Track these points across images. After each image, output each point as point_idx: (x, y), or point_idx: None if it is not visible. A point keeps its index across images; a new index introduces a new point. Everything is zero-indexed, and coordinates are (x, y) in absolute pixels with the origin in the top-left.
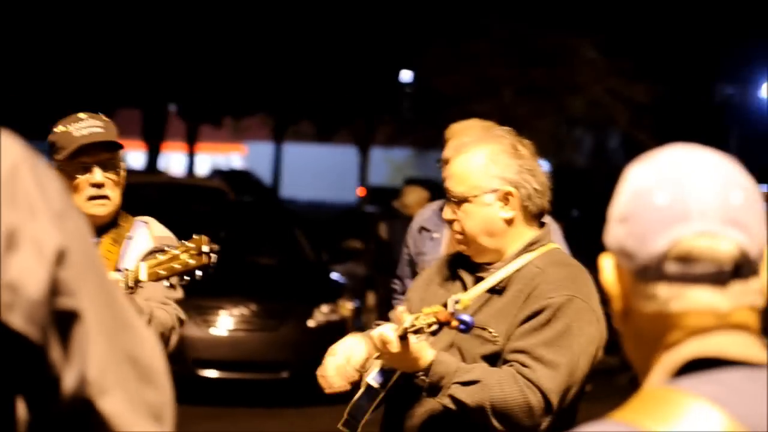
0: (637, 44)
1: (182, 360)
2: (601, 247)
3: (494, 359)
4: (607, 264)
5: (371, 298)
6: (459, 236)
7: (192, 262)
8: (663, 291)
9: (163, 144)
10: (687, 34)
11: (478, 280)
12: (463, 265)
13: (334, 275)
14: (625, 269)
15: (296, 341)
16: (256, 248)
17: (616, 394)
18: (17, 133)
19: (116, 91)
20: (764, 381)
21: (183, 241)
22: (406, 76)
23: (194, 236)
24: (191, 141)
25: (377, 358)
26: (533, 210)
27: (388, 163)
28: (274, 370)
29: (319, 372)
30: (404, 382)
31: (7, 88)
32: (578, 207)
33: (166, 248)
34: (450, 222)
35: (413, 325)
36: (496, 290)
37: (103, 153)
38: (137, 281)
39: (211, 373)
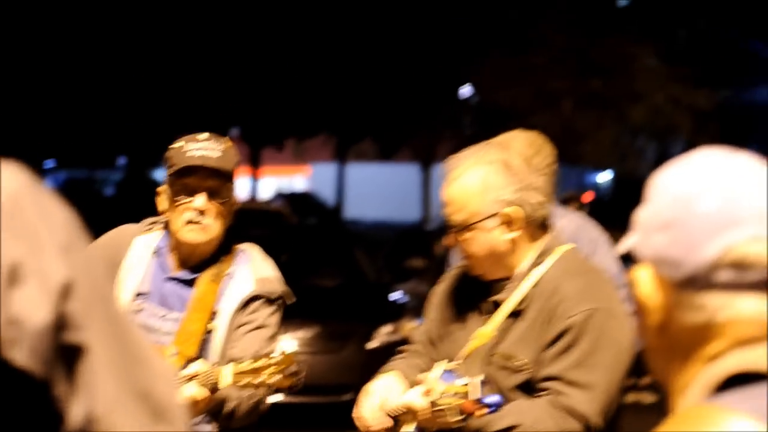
0: (695, 51)
1: None
2: None
3: (527, 387)
4: (643, 275)
5: None
6: (466, 260)
7: (277, 380)
8: (712, 300)
9: None
10: (748, 35)
11: (495, 304)
12: (476, 285)
13: (396, 295)
14: (666, 279)
15: (358, 363)
16: (317, 270)
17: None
18: (88, 160)
19: (177, 116)
20: None
21: (273, 356)
22: (466, 91)
23: (283, 352)
24: (254, 165)
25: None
26: (537, 222)
27: None
28: (337, 392)
29: (355, 414)
30: None
31: (93, 115)
32: None
33: (255, 357)
34: (454, 247)
35: (437, 405)
36: (516, 313)
37: (212, 179)
38: (216, 386)
39: (275, 397)
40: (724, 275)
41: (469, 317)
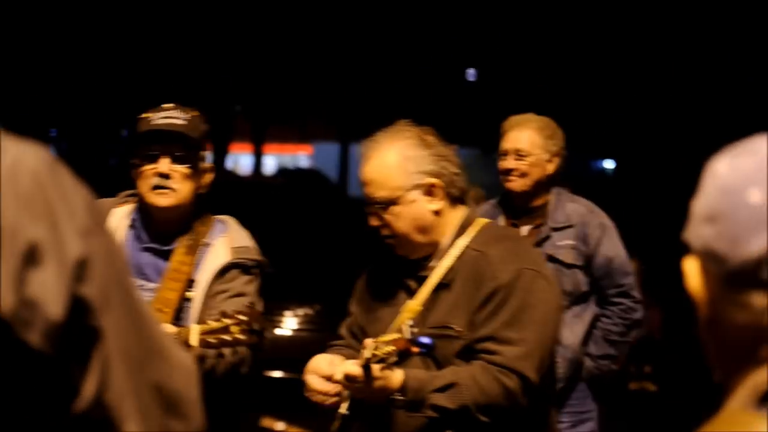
0: None
1: None
2: None
3: (467, 353)
4: (691, 267)
5: None
6: (391, 240)
7: (242, 338)
8: (758, 300)
9: (230, 145)
10: None
11: (421, 279)
12: (399, 267)
13: None
14: (713, 274)
15: None
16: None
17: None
18: (88, 133)
19: (178, 93)
20: None
21: (238, 312)
22: (467, 75)
23: (248, 306)
24: (257, 142)
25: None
26: (456, 194)
27: None
28: None
29: (309, 390)
30: (377, 407)
31: (81, 87)
32: None
33: (221, 316)
34: (378, 228)
35: (375, 356)
36: (444, 284)
37: (176, 145)
38: (187, 345)
39: (277, 374)
40: None
41: (396, 299)
